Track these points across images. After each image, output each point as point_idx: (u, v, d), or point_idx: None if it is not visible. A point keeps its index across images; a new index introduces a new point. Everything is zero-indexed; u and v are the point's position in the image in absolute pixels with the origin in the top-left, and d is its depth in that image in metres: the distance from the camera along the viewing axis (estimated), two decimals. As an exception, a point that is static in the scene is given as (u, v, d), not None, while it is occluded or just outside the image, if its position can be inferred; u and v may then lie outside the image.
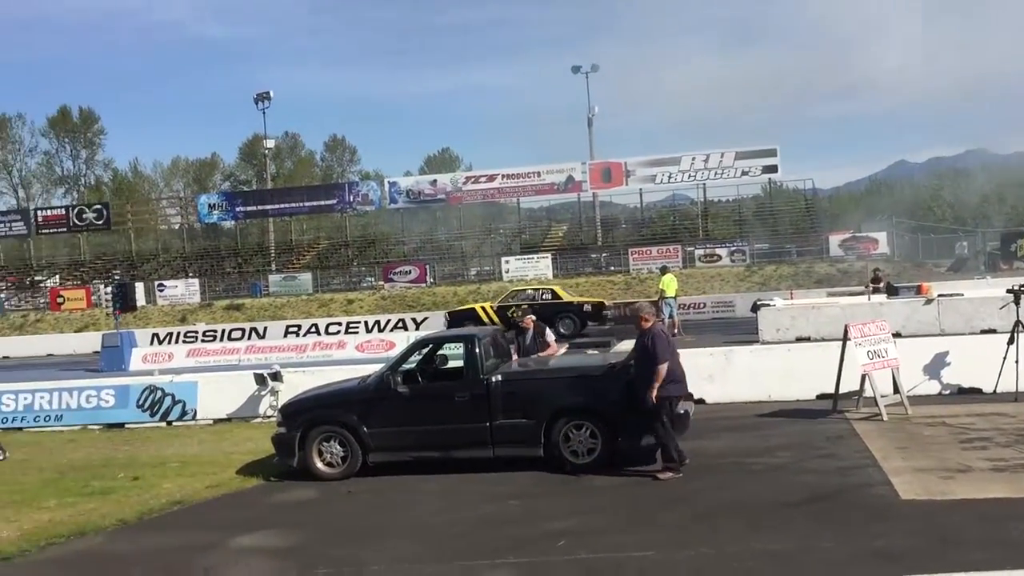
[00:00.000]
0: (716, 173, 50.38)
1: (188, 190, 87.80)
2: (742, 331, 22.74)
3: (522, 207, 55.70)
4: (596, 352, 14.20)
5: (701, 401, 12.70)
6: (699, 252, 45.92)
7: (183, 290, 49.90)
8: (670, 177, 51.18)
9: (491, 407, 9.97)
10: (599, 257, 50.03)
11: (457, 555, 7.21)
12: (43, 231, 59.56)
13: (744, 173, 50.40)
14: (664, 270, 26.71)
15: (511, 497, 9.02)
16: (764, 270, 43.01)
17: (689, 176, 50.94)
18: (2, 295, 53.62)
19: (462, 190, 53.99)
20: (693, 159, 50.55)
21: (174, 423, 15.88)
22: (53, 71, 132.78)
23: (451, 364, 11.23)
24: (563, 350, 15.66)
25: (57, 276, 57.14)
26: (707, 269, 44.30)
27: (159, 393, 16.18)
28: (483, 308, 30.06)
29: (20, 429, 16.20)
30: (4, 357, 38.69)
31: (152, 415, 16.07)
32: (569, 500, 8.79)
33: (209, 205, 59.08)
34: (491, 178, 53.80)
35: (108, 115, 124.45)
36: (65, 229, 59.74)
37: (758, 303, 22.64)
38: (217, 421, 15.73)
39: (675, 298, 25.25)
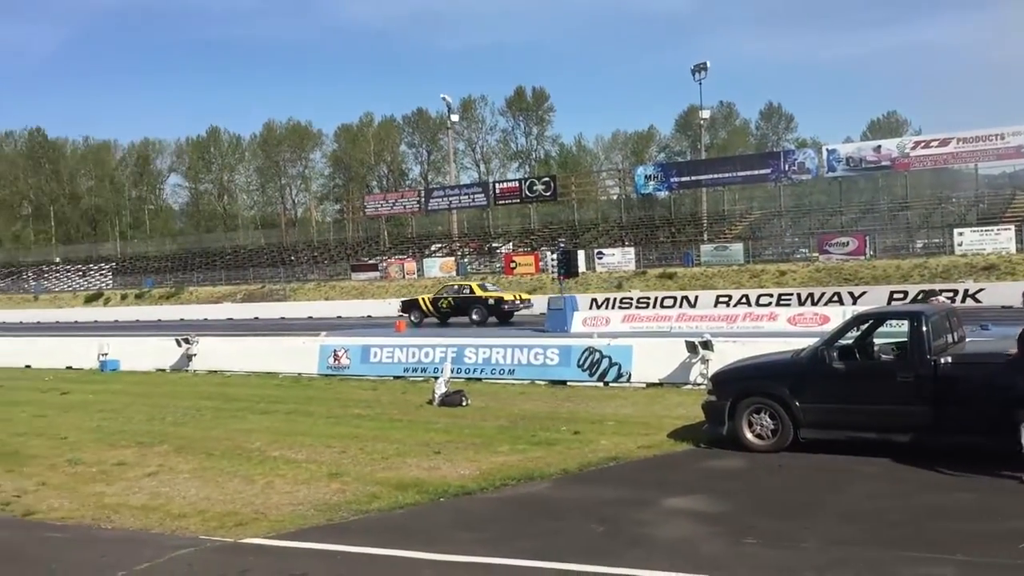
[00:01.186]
0: None
1: (626, 162, 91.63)
2: None
3: (980, 173, 50.24)
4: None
5: None
6: None
7: (619, 258, 52.27)
8: None
9: (937, 390, 9.21)
10: (1076, 229, 43.66)
11: (895, 543, 6.80)
12: (499, 202, 65.83)
13: None
14: None
15: (959, 489, 8.29)
16: None
17: None
18: (465, 259, 60.32)
19: (909, 156, 50.03)
20: None
21: (610, 384, 16.77)
22: (511, 54, 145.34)
23: (893, 341, 10.53)
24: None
25: (510, 243, 62.93)
26: None
27: (597, 355, 17.19)
28: (423, 299, 36.54)
29: (480, 380, 18.13)
30: (466, 314, 43.52)
31: (591, 375, 17.13)
32: (1031, 500, 7.86)
33: (645, 176, 61.10)
34: (944, 142, 49.18)
35: (557, 93, 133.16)
36: (518, 200, 65.46)
37: None
38: (649, 385, 16.34)
39: None
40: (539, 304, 34.15)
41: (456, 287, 37.18)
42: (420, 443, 11.69)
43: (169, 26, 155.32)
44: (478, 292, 35.22)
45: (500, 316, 34.10)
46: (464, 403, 14.95)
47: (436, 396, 15.22)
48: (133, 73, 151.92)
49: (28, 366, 25.44)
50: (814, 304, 31.67)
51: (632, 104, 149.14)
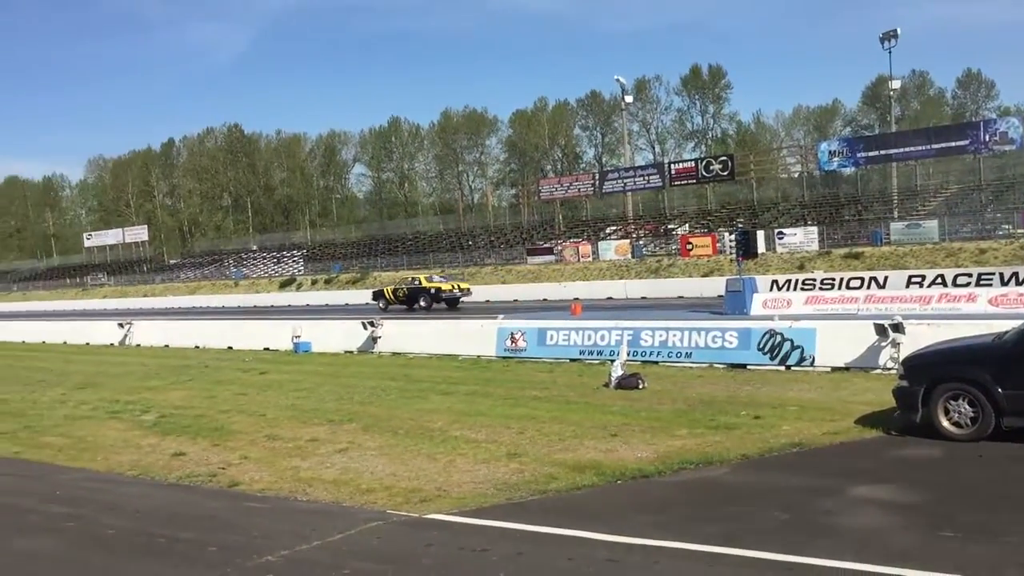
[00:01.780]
0: None
1: (808, 138, 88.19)
2: None
3: None
4: None
5: None
6: None
7: (801, 238, 50.35)
8: None
9: None
10: None
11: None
12: (675, 183, 64.74)
13: None
14: None
15: None
16: None
17: None
18: (640, 242, 59.77)
19: None
20: None
21: (792, 367, 16.24)
22: (686, 32, 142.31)
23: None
24: None
25: (687, 224, 61.85)
26: None
27: (779, 338, 16.66)
28: (387, 289, 43.14)
29: (656, 363, 17.95)
30: (642, 297, 43.18)
31: (772, 358, 16.63)
32: None
33: (829, 152, 58.46)
34: None
35: (733, 69, 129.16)
36: (694, 180, 64.17)
37: None
38: (834, 369, 15.70)
39: None
40: (718, 287, 33.43)
41: (410, 279, 43.93)
42: (597, 425, 11.73)
43: (350, 22, 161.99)
44: (424, 283, 41.65)
45: (445, 303, 39.99)
46: (640, 386, 14.87)
47: (612, 379, 15.21)
48: (319, 68, 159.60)
49: (230, 347, 27.31)
50: (1019, 284, 29.36)
51: (815, 77, 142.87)
